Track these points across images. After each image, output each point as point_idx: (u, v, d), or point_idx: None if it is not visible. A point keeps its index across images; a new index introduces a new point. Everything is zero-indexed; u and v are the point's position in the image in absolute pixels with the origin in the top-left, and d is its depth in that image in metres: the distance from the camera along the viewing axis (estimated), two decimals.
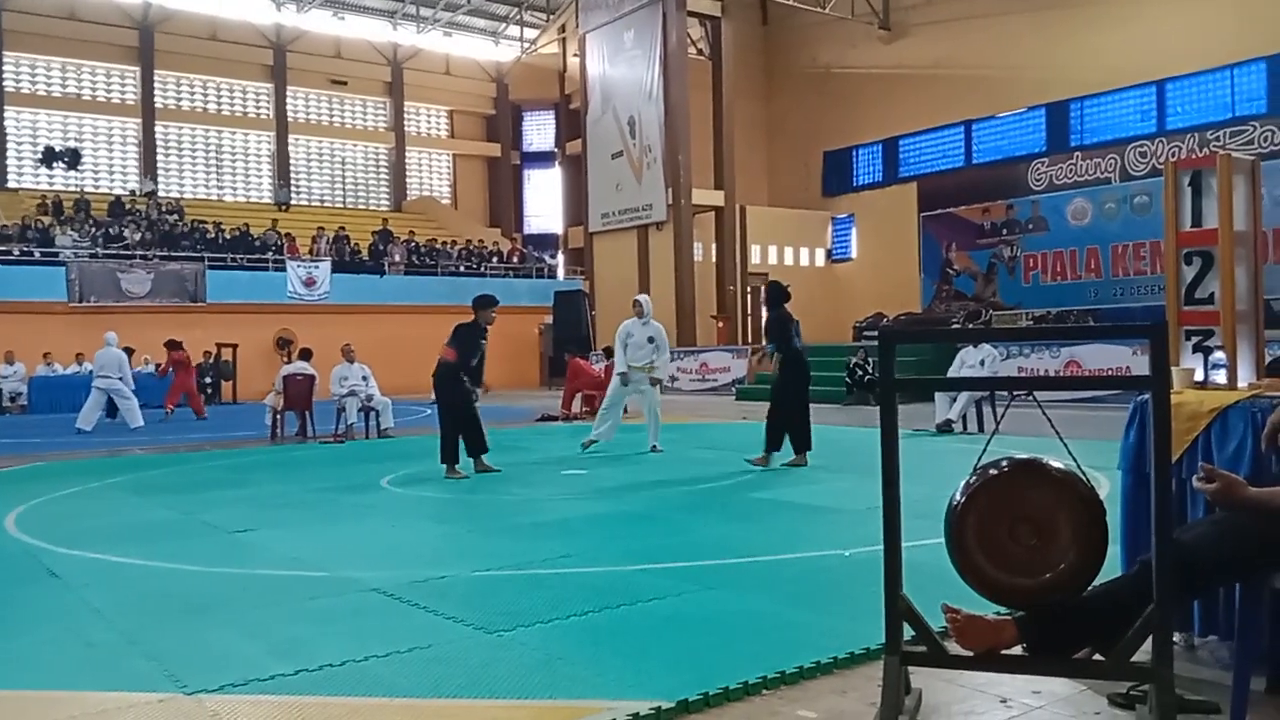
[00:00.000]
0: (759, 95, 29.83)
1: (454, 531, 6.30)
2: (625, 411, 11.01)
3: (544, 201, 34.98)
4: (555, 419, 15.46)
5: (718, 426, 13.82)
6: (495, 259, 29.31)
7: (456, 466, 8.65)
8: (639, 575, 4.69)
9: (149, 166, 28.73)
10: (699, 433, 12.76)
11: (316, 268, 24.88)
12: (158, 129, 29.10)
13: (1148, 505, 3.19)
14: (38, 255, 22.51)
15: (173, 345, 17.83)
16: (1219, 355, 3.40)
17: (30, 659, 3.64)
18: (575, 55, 29.26)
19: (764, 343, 9.30)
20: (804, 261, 28.25)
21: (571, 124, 31.59)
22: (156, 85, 28.96)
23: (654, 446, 10.08)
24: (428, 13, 31.32)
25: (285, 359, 18.68)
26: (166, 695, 3.17)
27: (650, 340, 10.06)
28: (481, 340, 8.79)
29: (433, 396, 9.08)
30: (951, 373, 12.39)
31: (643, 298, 10.52)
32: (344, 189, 32.91)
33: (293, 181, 31.38)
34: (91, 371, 19.36)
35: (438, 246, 28.58)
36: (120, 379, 15.14)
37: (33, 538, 6.07)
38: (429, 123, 34.50)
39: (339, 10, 30.30)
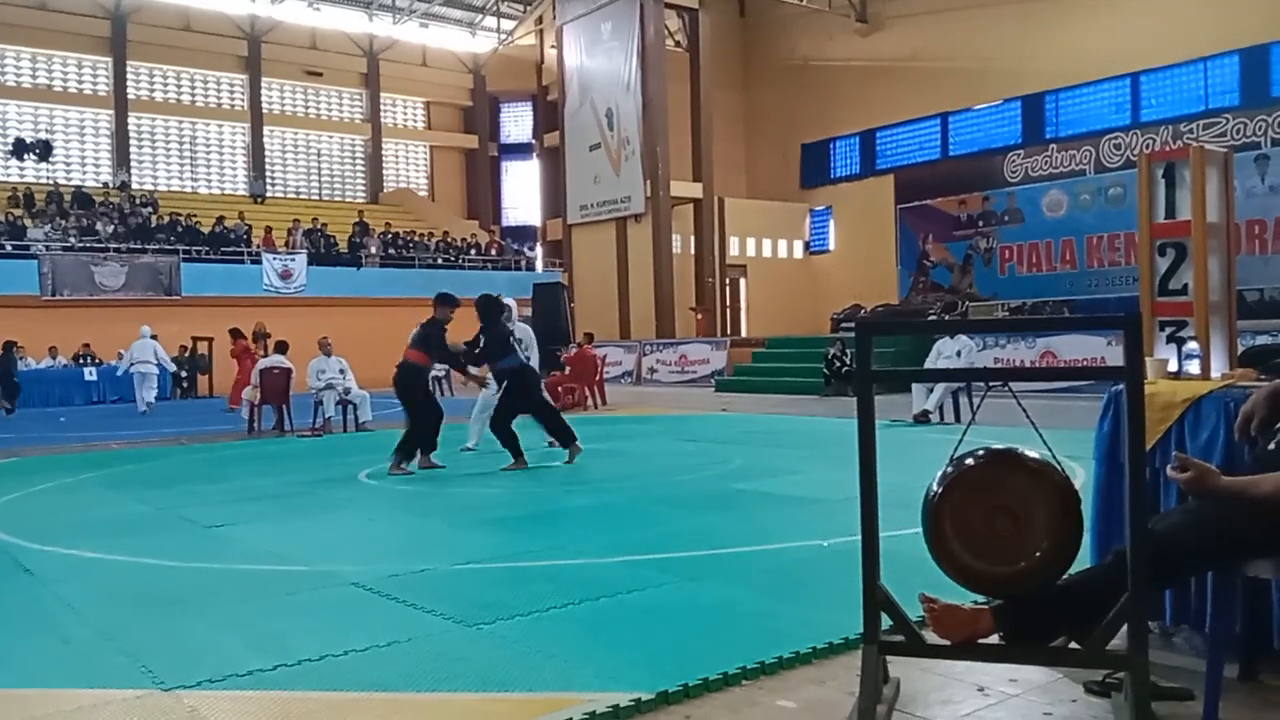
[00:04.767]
0: (737, 87, 29.84)
1: (432, 525, 6.28)
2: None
3: (522, 193, 34.85)
4: None
5: (697, 418, 13.82)
6: (473, 251, 29.18)
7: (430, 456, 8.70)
8: (618, 567, 4.69)
9: (122, 158, 28.41)
10: (678, 424, 12.76)
11: (293, 260, 24.70)
12: (130, 120, 28.77)
13: (1120, 495, 3.22)
14: (9, 248, 22.26)
15: (235, 334, 17.60)
16: (1192, 346, 3.43)
17: (4, 656, 3.60)
18: (553, 47, 29.15)
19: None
20: (782, 253, 28.33)
21: (549, 116, 31.48)
22: (129, 76, 28.62)
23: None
24: (404, 3, 31.10)
25: (261, 352, 18.52)
26: (143, 691, 3.15)
27: (519, 341, 9.88)
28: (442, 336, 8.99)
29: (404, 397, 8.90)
30: (928, 364, 12.45)
31: (509, 301, 10.04)
32: (320, 181, 32.67)
33: (268, 173, 31.10)
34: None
35: (415, 239, 28.42)
36: (157, 364, 17.68)
37: (6, 534, 6.00)
38: (405, 114, 34.28)
39: (314, 1, 30.04)
